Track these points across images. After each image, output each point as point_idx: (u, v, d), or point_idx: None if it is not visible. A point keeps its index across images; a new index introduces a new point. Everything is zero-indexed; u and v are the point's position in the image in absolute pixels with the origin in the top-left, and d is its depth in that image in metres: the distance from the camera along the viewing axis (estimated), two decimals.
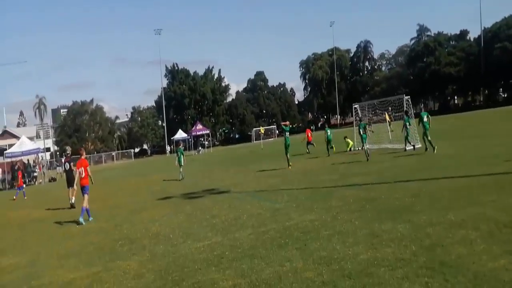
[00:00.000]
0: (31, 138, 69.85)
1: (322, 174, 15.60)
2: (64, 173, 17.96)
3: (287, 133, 20.19)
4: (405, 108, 21.61)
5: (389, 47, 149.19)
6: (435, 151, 16.74)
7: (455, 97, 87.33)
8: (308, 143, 27.01)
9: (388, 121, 27.19)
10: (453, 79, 72.92)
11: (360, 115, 25.13)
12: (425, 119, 17.76)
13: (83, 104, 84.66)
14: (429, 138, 17.53)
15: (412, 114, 22.70)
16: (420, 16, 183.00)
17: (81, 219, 11.97)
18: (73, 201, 16.23)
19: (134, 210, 13.27)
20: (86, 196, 12.39)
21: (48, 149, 76.75)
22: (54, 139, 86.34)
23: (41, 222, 13.60)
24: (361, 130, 19.60)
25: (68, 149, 21.24)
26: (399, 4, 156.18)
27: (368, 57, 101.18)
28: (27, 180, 36.66)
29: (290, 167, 19.03)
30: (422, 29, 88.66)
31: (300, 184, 13.59)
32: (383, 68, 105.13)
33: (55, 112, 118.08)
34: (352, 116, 28.55)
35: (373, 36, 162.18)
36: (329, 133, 24.04)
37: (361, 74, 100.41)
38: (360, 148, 21.55)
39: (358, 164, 17.11)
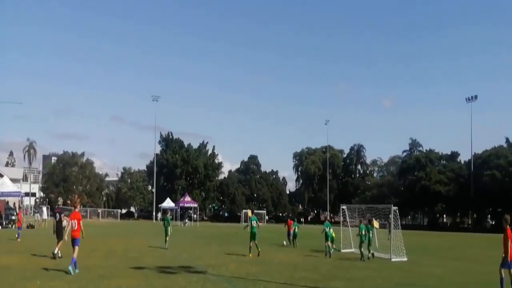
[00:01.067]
0: (17, 180, 69.21)
1: (304, 270, 15.31)
2: (54, 224, 17.75)
3: (254, 222, 19.76)
4: (368, 217, 22.53)
5: (381, 154, 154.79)
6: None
7: (444, 216, 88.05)
8: (288, 233, 27.45)
9: (376, 228, 27.30)
10: (442, 198, 74.17)
11: (347, 217, 25.28)
12: (327, 229, 20.46)
13: (73, 155, 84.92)
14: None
15: (399, 225, 22.79)
16: (413, 130, 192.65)
17: (76, 270, 12.55)
18: (56, 251, 15.87)
19: (103, 275, 12.63)
20: (76, 248, 12.81)
21: (33, 194, 75.31)
22: (40, 185, 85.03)
23: (6, 269, 12.98)
24: (363, 231, 19.54)
25: (60, 200, 21.19)
26: (394, 116, 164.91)
27: (360, 161, 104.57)
28: (4, 222, 35.56)
29: (250, 255, 18.84)
30: (414, 144, 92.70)
31: (279, 278, 13.26)
32: (375, 175, 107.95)
33: (46, 158, 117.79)
34: (340, 216, 28.82)
35: (366, 140, 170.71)
36: (328, 230, 21.20)
37: (353, 176, 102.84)
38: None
39: (341, 267, 16.86)
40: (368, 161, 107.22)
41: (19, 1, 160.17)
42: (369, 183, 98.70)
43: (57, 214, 17.82)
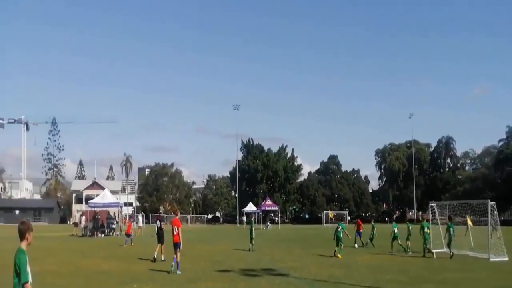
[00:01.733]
0: (116, 192, 76.20)
1: (389, 272, 14.88)
2: (156, 230, 19.69)
3: (251, 225, 23.42)
4: (433, 215, 21.53)
5: (473, 145, 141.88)
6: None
7: None
8: (358, 233, 26.13)
9: (470, 226, 25.49)
10: None
11: (436, 214, 23.93)
12: (425, 229, 19.27)
13: (164, 166, 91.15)
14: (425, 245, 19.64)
15: (498, 221, 21.07)
16: (510, 117, 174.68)
17: (178, 272, 14.16)
18: (155, 256, 17.62)
19: (191, 279, 13.41)
20: (178, 251, 14.41)
21: (131, 204, 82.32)
22: (136, 195, 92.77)
23: (106, 274, 14.36)
24: (451, 230, 19.14)
25: (161, 209, 23.35)
26: (486, 104, 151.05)
27: (450, 154, 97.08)
28: (106, 231, 39.39)
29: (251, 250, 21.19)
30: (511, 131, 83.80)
31: (364, 281, 13.04)
32: (467, 168, 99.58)
33: (140, 170, 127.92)
34: (429, 213, 27.21)
35: (455, 132, 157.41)
36: (396, 231, 22.37)
37: (441, 170, 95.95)
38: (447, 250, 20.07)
39: (431, 268, 16.09)
40: (459, 153, 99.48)
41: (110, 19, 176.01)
42: (461, 177, 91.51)
43: (158, 221, 19.78)
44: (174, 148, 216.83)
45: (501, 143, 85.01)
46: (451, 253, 19.17)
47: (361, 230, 26.26)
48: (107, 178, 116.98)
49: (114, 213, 46.45)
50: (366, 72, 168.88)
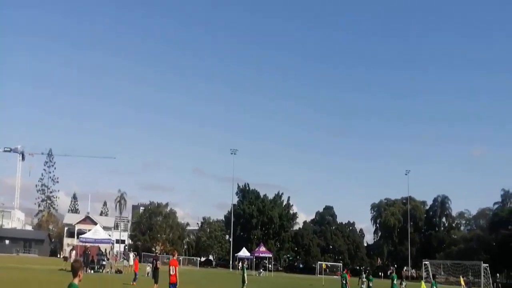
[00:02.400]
0: (109, 228, 75.65)
1: None
2: (151, 270, 20.07)
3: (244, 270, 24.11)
4: (427, 273, 21.76)
5: (468, 206, 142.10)
6: None
7: None
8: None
9: (463, 286, 25.80)
10: None
11: (430, 272, 24.32)
12: (394, 281, 20.82)
13: (159, 205, 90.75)
14: None
15: (490, 284, 21.53)
16: (505, 180, 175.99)
17: None
18: None
19: None
20: None
21: (123, 241, 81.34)
22: (129, 233, 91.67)
23: None
24: None
25: (157, 249, 23.73)
26: (483, 166, 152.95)
27: (445, 213, 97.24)
28: (96, 267, 39.08)
29: None
30: (507, 195, 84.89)
31: None
32: (462, 228, 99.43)
33: (135, 208, 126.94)
34: (423, 271, 27.48)
35: (451, 192, 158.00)
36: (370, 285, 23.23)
37: (436, 229, 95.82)
38: None
39: None
40: (454, 213, 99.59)
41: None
42: (456, 237, 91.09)
43: (154, 261, 20.13)
44: (169, 187, 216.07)
45: (496, 206, 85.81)
46: None
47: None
48: (101, 214, 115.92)
49: (105, 250, 46.18)
50: (365, 128, 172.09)
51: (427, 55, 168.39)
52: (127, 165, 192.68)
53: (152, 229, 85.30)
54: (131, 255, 47.81)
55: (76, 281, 5.52)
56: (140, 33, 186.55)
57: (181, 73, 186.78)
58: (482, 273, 20.10)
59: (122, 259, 53.07)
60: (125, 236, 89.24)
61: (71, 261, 37.56)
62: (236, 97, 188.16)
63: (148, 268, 37.24)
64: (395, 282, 21.47)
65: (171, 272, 14.91)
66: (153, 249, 79.04)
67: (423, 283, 22.19)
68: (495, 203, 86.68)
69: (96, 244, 42.06)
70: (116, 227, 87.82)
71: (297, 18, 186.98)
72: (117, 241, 67.51)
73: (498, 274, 65.94)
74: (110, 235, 50.07)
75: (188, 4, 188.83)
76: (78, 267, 5.60)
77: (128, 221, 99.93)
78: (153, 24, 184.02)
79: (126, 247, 74.72)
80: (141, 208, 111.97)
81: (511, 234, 70.77)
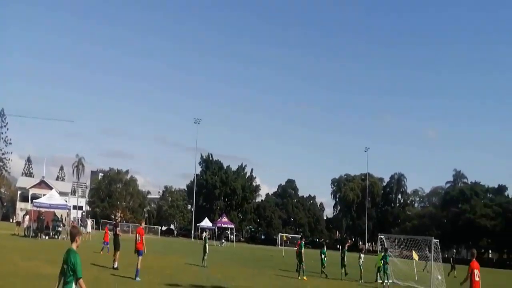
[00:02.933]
0: (65, 194, 73.16)
1: None
2: (112, 237, 19.16)
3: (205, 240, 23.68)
4: (382, 246, 23.09)
5: (422, 184, 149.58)
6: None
7: (490, 251, 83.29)
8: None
9: (415, 260, 26.66)
10: (488, 233, 70.44)
11: (385, 246, 24.93)
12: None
13: (119, 172, 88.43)
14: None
15: (440, 258, 22.22)
16: (457, 161, 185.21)
17: (137, 278, 14.44)
18: (115, 266, 17.16)
19: None
20: (140, 258, 14.96)
21: (80, 208, 79.11)
22: (87, 199, 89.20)
23: (47, 279, 13.22)
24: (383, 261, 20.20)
25: (118, 215, 22.68)
26: (437, 147, 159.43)
27: (401, 190, 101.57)
28: (51, 233, 37.64)
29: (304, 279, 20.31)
30: (458, 175, 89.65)
31: None
32: (416, 205, 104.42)
33: (94, 174, 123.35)
34: (378, 245, 28.36)
35: (407, 170, 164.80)
36: (323, 257, 23.54)
37: (392, 205, 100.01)
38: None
39: None
40: (409, 190, 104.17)
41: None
42: (410, 213, 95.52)
43: (114, 228, 19.26)
44: (130, 155, 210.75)
45: (448, 185, 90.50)
46: (383, 282, 20.24)
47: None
48: (57, 179, 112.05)
49: (62, 216, 44.54)
50: (329, 101, 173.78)
51: (390, 32, 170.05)
52: (86, 130, 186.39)
53: (111, 196, 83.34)
54: (89, 221, 46.58)
55: (74, 246, 5.94)
56: None
57: (144, 36, 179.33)
58: (433, 248, 20.71)
59: (79, 226, 51.50)
60: (83, 202, 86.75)
61: (24, 226, 35.96)
62: (202, 65, 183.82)
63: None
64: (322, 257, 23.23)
65: (137, 240, 15.16)
66: (113, 216, 77.48)
67: (380, 254, 22.54)
68: (447, 182, 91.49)
69: (51, 210, 40.35)
70: (73, 193, 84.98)
71: None
72: (74, 207, 65.38)
73: (454, 250, 69.70)
74: (66, 201, 48.18)
75: None
76: (75, 233, 6.01)
77: (86, 187, 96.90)
78: None
79: (84, 214, 72.73)
80: (100, 174, 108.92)
81: (460, 212, 74.84)
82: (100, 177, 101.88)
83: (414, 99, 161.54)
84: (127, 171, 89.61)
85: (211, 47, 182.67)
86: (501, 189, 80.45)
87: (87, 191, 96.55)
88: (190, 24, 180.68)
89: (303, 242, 23.23)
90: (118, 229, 19.26)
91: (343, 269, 22.83)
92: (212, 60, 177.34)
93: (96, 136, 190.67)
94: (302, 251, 21.58)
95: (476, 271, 11.39)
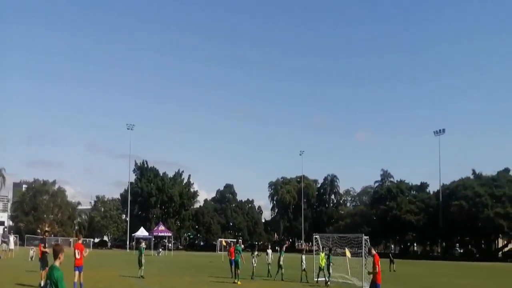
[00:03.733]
0: None
1: None
2: (36, 255, 17.76)
3: (239, 252, 23.11)
4: (326, 247, 24.49)
5: (354, 184, 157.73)
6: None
7: (415, 244, 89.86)
8: (231, 263, 23.51)
9: (348, 257, 28.03)
10: (413, 227, 75.92)
11: (320, 246, 25.98)
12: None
13: (44, 183, 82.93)
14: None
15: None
16: (384, 161, 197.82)
17: None
18: (42, 284, 15.84)
19: None
20: (81, 273, 14.92)
21: (2, 223, 72.74)
22: (10, 213, 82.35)
23: None
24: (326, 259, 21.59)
25: (48, 229, 21.09)
26: (366, 148, 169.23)
27: (334, 190, 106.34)
28: None
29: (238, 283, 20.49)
30: (385, 175, 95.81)
31: None
32: (348, 204, 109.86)
33: (17, 186, 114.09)
34: (314, 245, 29.54)
35: (340, 171, 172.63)
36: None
37: (326, 205, 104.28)
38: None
39: None
40: (342, 191, 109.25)
41: None
42: (343, 212, 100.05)
43: (42, 244, 17.91)
44: (58, 163, 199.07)
45: (376, 184, 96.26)
46: (328, 281, 21.30)
47: (232, 258, 23.72)
48: None
49: None
50: (262, 110, 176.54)
51: (316, 40, 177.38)
52: (6, 137, 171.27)
53: (37, 209, 77.72)
54: (11, 237, 43.49)
55: (57, 263, 6.17)
56: None
57: (72, 35, 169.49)
58: (363, 244, 22.10)
59: (0, 243, 47.46)
60: (4, 217, 79.98)
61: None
62: (134, 63, 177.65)
63: (32, 252, 33.90)
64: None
65: (76, 256, 15.07)
66: (39, 230, 72.21)
67: (322, 254, 23.24)
68: (375, 182, 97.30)
69: None
70: None
71: None
72: None
73: (392, 246, 73.80)
74: None
75: None
76: (58, 250, 6.28)
77: (8, 201, 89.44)
78: None
79: (6, 229, 66.97)
80: (24, 186, 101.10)
81: (388, 209, 79.91)
82: (24, 189, 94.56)
83: (341, 106, 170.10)
84: (54, 182, 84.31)
85: (142, 44, 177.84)
86: (423, 186, 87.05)
87: (9, 204, 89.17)
88: (119, 21, 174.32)
89: (241, 246, 23.61)
90: (45, 244, 18.00)
91: (279, 270, 23.36)
92: (145, 58, 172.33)
93: (19, 145, 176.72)
94: (282, 257, 23.17)
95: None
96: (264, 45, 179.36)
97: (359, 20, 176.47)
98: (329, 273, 21.57)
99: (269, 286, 20.80)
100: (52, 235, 71.38)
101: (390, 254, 37.72)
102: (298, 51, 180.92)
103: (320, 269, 22.02)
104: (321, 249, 24.36)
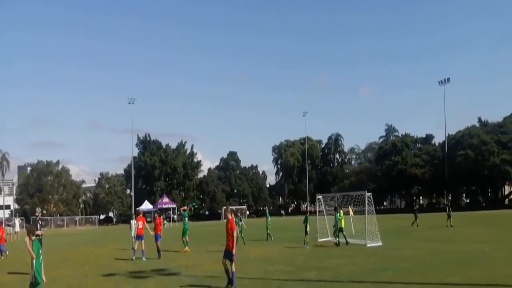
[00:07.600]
0: None
1: (279, 263, 15.25)
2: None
3: (186, 219, 21.50)
4: (339, 207, 22.94)
5: (358, 142, 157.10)
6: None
7: (421, 197, 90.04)
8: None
9: (351, 216, 27.53)
10: (418, 180, 75.71)
11: (323, 206, 25.41)
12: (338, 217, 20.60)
13: (48, 164, 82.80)
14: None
15: (373, 211, 22.94)
16: (389, 116, 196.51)
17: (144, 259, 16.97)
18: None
19: (71, 285, 12.44)
20: (142, 242, 17.50)
21: (7, 207, 73.18)
22: (15, 197, 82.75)
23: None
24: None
25: (37, 211, 20.40)
26: (370, 103, 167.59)
27: (338, 149, 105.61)
28: None
29: (187, 250, 20.40)
30: (390, 129, 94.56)
31: (254, 273, 13.16)
32: (353, 162, 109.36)
33: (21, 169, 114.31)
34: (317, 205, 29.03)
35: (343, 129, 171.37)
36: (268, 220, 25.71)
37: (331, 165, 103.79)
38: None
39: (317, 257, 16.89)
40: (346, 149, 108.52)
41: None
42: (347, 171, 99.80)
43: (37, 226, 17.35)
44: (62, 144, 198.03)
45: (381, 140, 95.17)
46: (338, 241, 20.73)
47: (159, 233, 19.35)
48: None
49: None
50: (263, 74, 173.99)
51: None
52: (9, 122, 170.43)
53: (42, 190, 77.85)
54: (17, 220, 43.65)
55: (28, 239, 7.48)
56: None
57: (70, 12, 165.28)
58: (366, 202, 21.36)
59: (5, 226, 47.55)
60: (10, 201, 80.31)
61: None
62: (128, 36, 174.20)
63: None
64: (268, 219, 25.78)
65: (139, 226, 17.96)
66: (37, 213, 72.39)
67: (341, 213, 22.05)
68: (380, 137, 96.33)
69: None
70: None
71: None
72: (1, 207, 60.28)
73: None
74: None
75: None
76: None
77: (13, 184, 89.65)
78: None
79: (11, 213, 67.35)
80: (28, 168, 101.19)
81: (393, 164, 79.43)
82: (28, 171, 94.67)
83: (349, 60, 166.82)
84: (57, 162, 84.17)
85: (139, 14, 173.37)
86: (429, 138, 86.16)
87: (14, 188, 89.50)
88: None
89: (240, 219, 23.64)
90: (42, 227, 17.25)
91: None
92: (141, 29, 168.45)
93: (22, 128, 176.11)
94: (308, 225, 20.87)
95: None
96: (261, 6, 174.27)
97: None
98: (336, 233, 20.89)
99: (270, 250, 20.32)
100: (58, 215, 71.78)
101: (447, 208, 36.62)
102: (296, 10, 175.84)
103: (341, 230, 20.81)
104: (337, 209, 22.97)
